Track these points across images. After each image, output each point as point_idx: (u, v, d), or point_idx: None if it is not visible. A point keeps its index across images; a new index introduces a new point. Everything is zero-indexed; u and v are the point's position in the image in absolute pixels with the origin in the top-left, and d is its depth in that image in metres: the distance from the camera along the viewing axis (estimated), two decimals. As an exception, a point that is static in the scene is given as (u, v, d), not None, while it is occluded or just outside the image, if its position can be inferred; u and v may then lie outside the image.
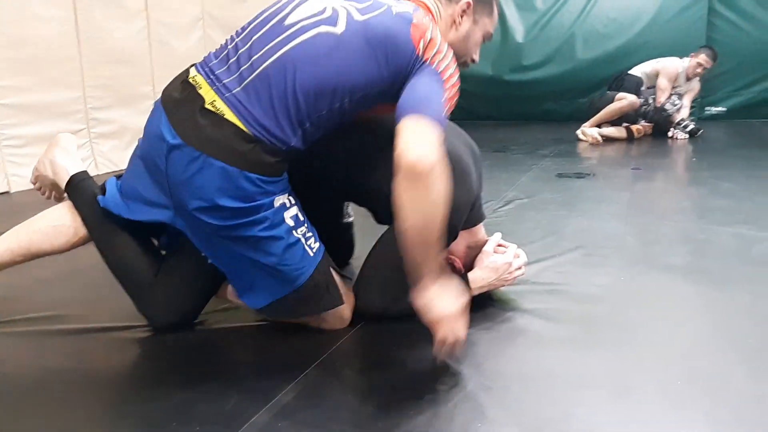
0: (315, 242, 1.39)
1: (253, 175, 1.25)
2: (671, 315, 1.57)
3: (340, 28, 1.28)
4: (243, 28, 1.36)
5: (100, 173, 3.81)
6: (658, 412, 1.16)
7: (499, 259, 1.60)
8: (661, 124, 4.84)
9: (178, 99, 1.30)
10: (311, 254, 1.36)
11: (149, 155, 1.32)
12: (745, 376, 1.27)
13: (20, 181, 3.39)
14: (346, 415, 1.17)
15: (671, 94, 4.80)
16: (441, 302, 1.22)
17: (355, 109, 1.32)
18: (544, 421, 1.14)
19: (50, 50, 3.55)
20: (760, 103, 5.75)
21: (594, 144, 4.63)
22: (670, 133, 4.81)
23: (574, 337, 1.46)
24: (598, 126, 4.80)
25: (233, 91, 1.26)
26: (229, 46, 1.34)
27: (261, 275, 1.35)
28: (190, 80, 1.31)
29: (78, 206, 1.49)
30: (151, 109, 1.36)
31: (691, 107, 5.11)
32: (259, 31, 1.32)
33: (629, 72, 4.94)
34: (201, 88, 1.28)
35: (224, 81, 1.28)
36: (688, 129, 4.75)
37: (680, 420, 1.14)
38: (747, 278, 1.79)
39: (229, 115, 1.24)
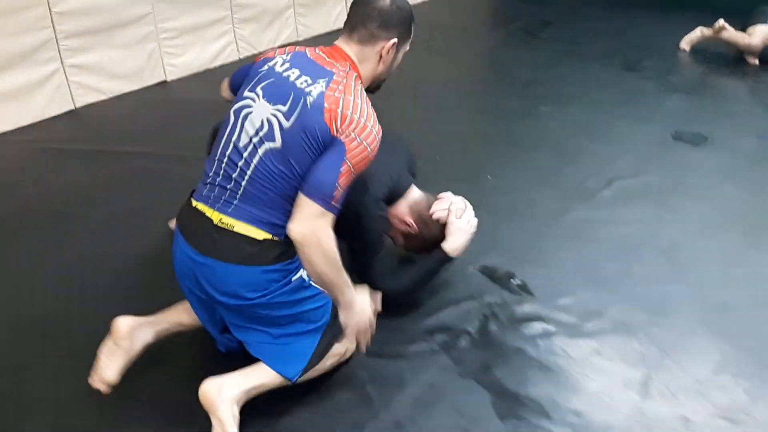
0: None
1: (272, 267, 1.54)
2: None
3: (278, 142, 1.51)
4: (211, 157, 1.62)
5: (241, 57, 4.25)
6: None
7: (461, 222, 2.00)
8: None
9: (192, 224, 1.59)
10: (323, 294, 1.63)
11: (184, 275, 1.62)
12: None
13: (175, 71, 3.95)
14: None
15: None
16: (352, 318, 1.61)
17: None
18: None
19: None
20: None
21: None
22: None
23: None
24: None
25: (233, 204, 1.54)
26: (209, 174, 1.60)
27: (294, 330, 1.62)
28: (195, 207, 1.59)
29: None
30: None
31: None
32: (224, 158, 1.57)
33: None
34: (206, 212, 1.56)
35: (222, 200, 1.55)
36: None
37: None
38: None
39: (238, 227, 1.53)
